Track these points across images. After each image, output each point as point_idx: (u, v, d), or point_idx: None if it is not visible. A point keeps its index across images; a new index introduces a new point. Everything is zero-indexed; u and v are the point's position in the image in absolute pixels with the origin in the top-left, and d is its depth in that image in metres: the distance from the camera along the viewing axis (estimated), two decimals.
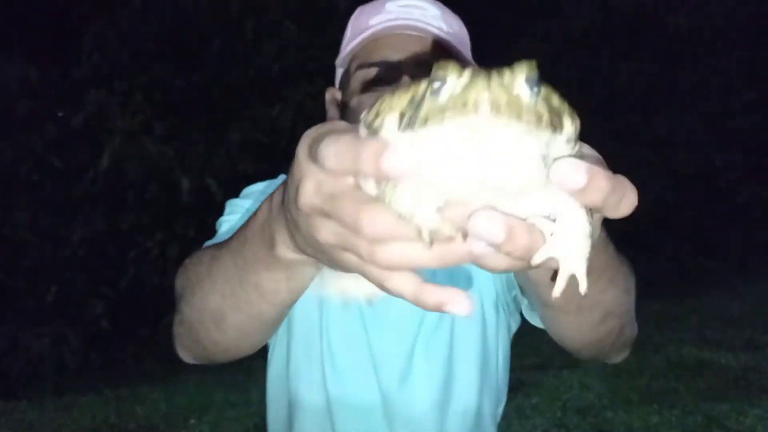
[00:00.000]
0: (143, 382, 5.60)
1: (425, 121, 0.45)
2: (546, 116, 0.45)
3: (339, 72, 1.37)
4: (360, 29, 1.28)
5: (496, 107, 0.42)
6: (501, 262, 0.50)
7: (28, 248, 6.57)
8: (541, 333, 1.43)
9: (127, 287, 6.67)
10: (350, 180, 0.52)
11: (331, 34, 6.91)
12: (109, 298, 6.72)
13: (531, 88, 0.44)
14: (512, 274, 1.10)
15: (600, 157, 0.59)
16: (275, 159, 7.04)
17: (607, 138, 9.43)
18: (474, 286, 1.28)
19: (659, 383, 4.95)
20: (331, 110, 1.39)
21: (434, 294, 0.51)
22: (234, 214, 1.25)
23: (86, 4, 6.73)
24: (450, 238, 0.49)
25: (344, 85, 1.32)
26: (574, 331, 0.91)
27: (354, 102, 1.24)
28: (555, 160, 0.48)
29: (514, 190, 0.48)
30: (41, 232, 6.60)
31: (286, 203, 0.62)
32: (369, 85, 1.23)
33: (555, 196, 0.50)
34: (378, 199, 0.50)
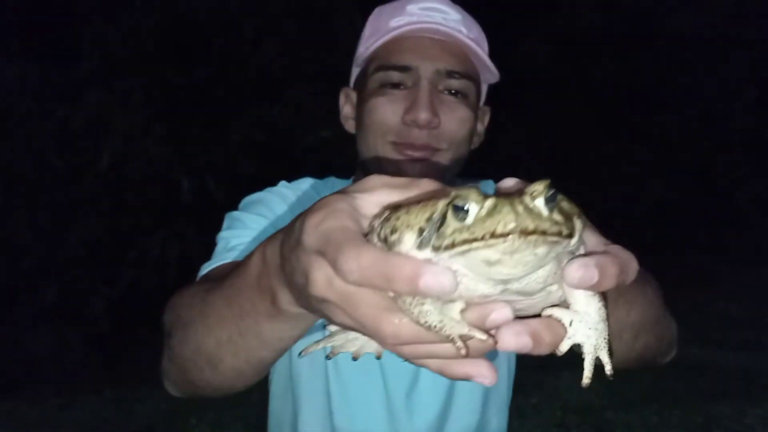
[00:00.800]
0: (143, 382, 5.58)
1: (452, 244, 0.47)
2: (564, 227, 0.48)
3: (355, 72, 1.36)
4: (380, 30, 1.26)
5: (524, 231, 0.45)
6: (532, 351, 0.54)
7: (28, 248, 6.56)
8: None
9: (127, 287, 6.66)
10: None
11: (331, 34, 6.92)
12: (109, 298, 6.71)
13: (549, 205, 0.48)
14: None
15: (601, 238, 0.61)
16: (275, 159, 7.04)
17: (607, 138, 9.44)
18: None
19: (659, 383, 4.94)
20: (346, 109, 1.38)
21: (461, 367, 0.54)
22: (232, 229, 1.23)
23: (86, 4, 6.72)
24: (478, 340, 0.52)
25: (360, 85, 1.31)
26: (614, 356, 0.93)
27: (371, 104, 1.23)
28: (567, 253, 0.52)
29: (535, 292, 0.52)
30: (41, 232, 6.59)
31: (289, 277, 0.62)
32: (387, 88, 1.22)
33: (566, 287, 0.54)
34: (395, 304, 0.51)
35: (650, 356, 0.99)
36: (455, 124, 1.22)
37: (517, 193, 0.48)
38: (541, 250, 0.47)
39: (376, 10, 1.34)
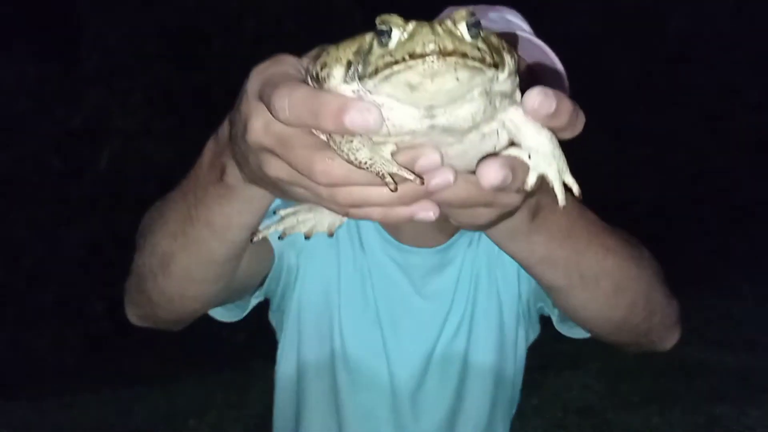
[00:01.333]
0: (143, 382, 5.58)
1: (375, 71, 0.47)
2: (488, 55, 0.47)
3: None
4: None
5: (443, 51, 0.45)
6: (460, 193, 0.54)
7: (28, 248, 6.56)
8: (542, 333, 1.42)
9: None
10: None
11: (331, 34, 6.91)
12: (109, 298, 6.70)
13: (471, 31, 0.47)
14: (539, 288, 1.11)
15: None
16: None
17: (607, 138, 9.43)
18: (495, 296, 1.27)
19: (660, 384, 4.93)
20: None
21: (403, 210, 0.54)
22: None
23: (86, 4, 6.72)
24: (407, 180, 0.52)
25: None
26: (594, 309, 0.89)
27: None
28: (499, 93, 0.51)
29: (464, 129, 0.51)
30: (40, 232, 6.59)
31: (233, 136, 0.63)
32: None
33: (510, 126, 0.54)
34: (329, 145, 0.52)
35: (638, 324, 0.93)
36: None
37: (442, 20, 0.47)
38: (463, 74, 0.47)
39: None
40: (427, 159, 0.51)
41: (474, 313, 1.25)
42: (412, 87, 0.47)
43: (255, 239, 0.81)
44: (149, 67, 6.84)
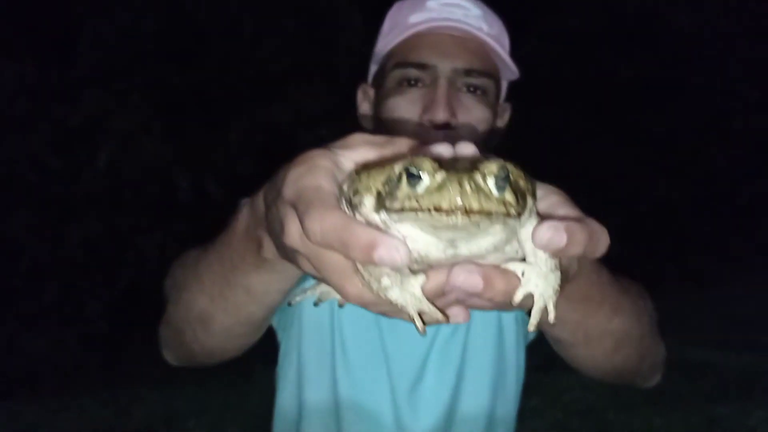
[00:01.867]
0: (142, 383, 5.57)
1: (401, 207, 0.49)
2: (513, 208, 0.49)
3: (372, 68, 1.33)
4: (399, 26, 1.24)
5: (469, 209, 0.47)
6: (483, 304, 0.56)
7: (27, 248, 6.55)
8: (541, 334, 1.41)
9: (126, 288, 6.65)
10: None
11: (331, 34, 6.90)
12: (108, 298, 6.70)
13: (499, 186, 0.49)
14: None
15: (562, 196, 0.62)
16: (275, 159, 7.00)
17: (607, 138, 9.43)
18: None
19: (661, 384, 4.93)
20: (363, 106, 1.36)
21: (433, 314, 0.56)
22: None
23: (84, 4, 6.71)
24: (435, 318, 0.55)
25: (378, 83, 1.29)
26: (591, 362, 0.94)
27: (389, 103, 1.22)
28: (520, 222, 0.53)
29: (486, 255, 0.54)
30: (40, 232, 6.58)
31: (270, 224, 0.64)
32: (405, 86, 1.21)
33: (521, 238, 0.56)
34: (361, 273, 0.54)
35: (629, 372, 0.99)
36: (473, 122, 1.20)
37: (472, 167, 0.49)
38: (485, 225, 0.49)
39: (396, 5, 1.32)
40: (460, 267, 0.53)
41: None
42: (435, 229, 0.50)
43: (292, 304, 0.84)
44: (149, 67, 6.83)
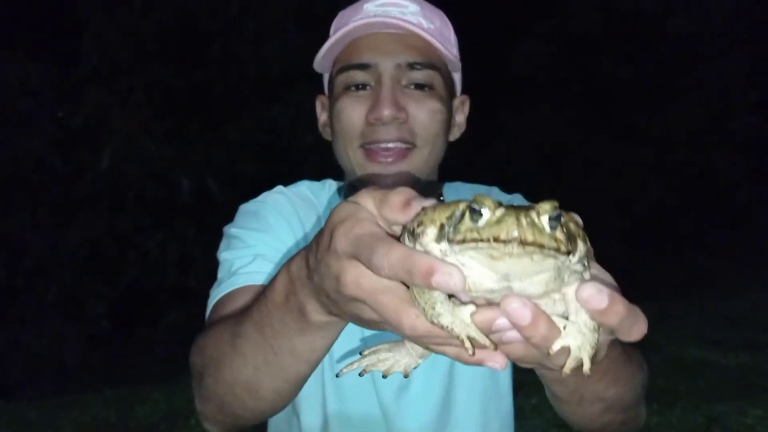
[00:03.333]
0: (143, 381, 5.59)
1: (463, 240, 0.54)
2: (563, 245, 0.54)
3: (325, 78, 1.35)
4: (339, 30, 1.25)
5: (524, 241, 0.52)
6: (520, 351, 0.60)
7: (28, 248, 6.57)
8: None
9: (127, 287, 6.67)
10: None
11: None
12: (109, 298, 6.72)
13: (552, 223, 0.54)
14: None
15: (614, 283, 0.66)
16: (275, 159, 7.04)
17: (607, 138, 9.45)
18: None
19: (659, 383, 4.94)
20: (322, 117, 1.37)
21: (476, 355, 0.60)
22: (232, 249, 1.22)
23: (86, 4, 6.73)
24: (482, 345, 0.59)
25: (329, 91, 1.30)
26: (577, 418, 0.98)
27: (337, 108, 1.22)
28: (570, 274, 0.59)
29: (536, 295, 0.58)
30: (41, 232, 6.60)
31: (318, 284, 0.68)
32: (351, 90, 1.21)
33: (567, 296, 0.60)
34: (414, 302, 0.59)
35: (608, 430, 1.02)
36: (425, 116, 1.20)
37: (528, 209, 0.54)
38: (537, 258, 0.53)
39: (339, 14, 1.33)
40: (503, 321, 0.57)
41: None
42: (492, 258, 0.54)
43: (340, 375, 0.89)
44: (149, 67, 6.85)
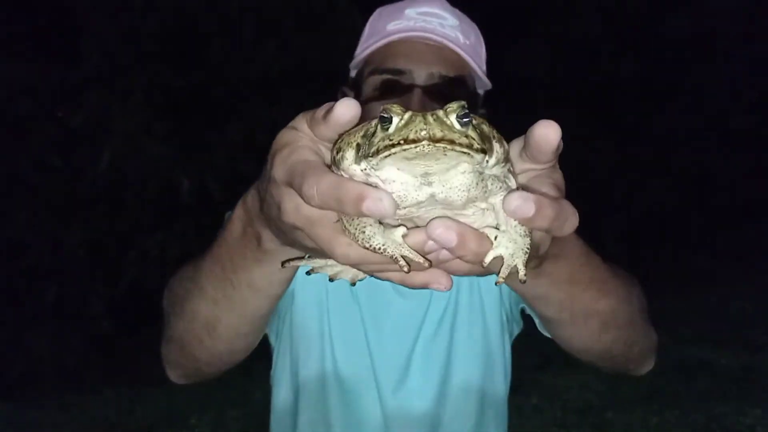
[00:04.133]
0: (143, 381, 5.59)
1: (377, 151, 0.54)
2: (475, 141, 0.54)
3: (352, 72, 1.37)
4: (377, 33, 1.27)
5: (432, 137, 0.52)
6: (459, 266, 0.60)
7: (28, 248, 6.56)
8: (541, 333, 1.43)
9: (127, 287, 6.67)
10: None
11: (330, 35, 6.91)
12: (109, 298, 6.71)
13: (461, 121, 0.54)
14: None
15: (555, 180, 0.67)
16: None
17: (607, 138, 9.44)
18: (477, 294, 1.28)
19: (659, 383, 4.94)
20: None
21: (419, 277, 0.60)
22: None
23: (86, 4, 6.72)
24: (418, 264, 0.59)
25: (357, 87, 1.32)
26: (578, 341, 0.97)
27: (365, 109, 1.23)
28: (491, 176, 0.59)
29: (460, 203, 0.58)
30: (41, 232, 6.59)
31: (266, 212, 0.69)
32: (381, 91, 1.23)
33: (496, 207, 0.61)
34: (345, 228, 0.59)
35: (619, 355, 1.01)
36: None
37: (437, 110, 0.54)
38: (452, 155, 0.53)
39: (377, 12, 1.34)
40: (439, 221, 0.57)
41: (457, 311, 1.27)
42: (408, 162, 0.54)
43: (284, 267, 0.87)
44: (149, 67, 6.85)
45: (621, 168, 9.27)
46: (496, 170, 0.59)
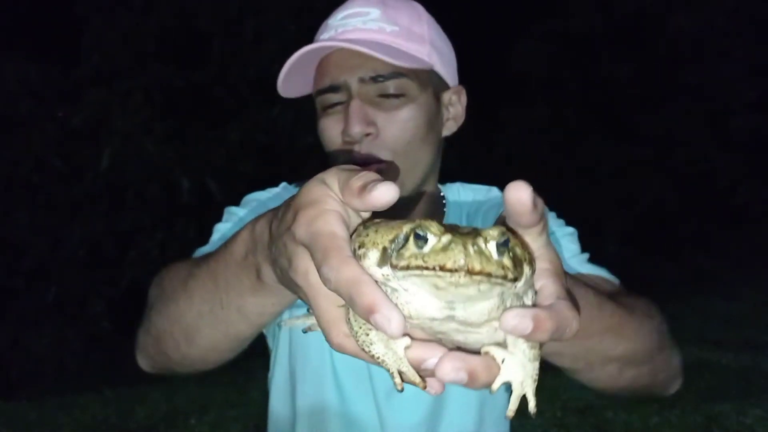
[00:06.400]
0: (143, 382, 5.59)
1: (407, 267, 0.52)
2: (510, 272, 0.52)
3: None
4: (311, 53, 1.24)
5: (471, 270, 0.50)
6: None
7: (28, 248, 6.57)
8: None
9: (127, 287, 6.67)
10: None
11: None
12: (109, 298, 6.72)
13: (499, 249, 0.52)
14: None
15: (555, 259, 0.62)
16: (275, 159, 7.04)
17: (607, 138, 9.45)
18: None
19: None
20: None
21: (411, 377, 0.58)
22: (228, 222, 1.25)
23: (86, 4, 6.73)
24: (411, 381, 0.57)
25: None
26: (597, 384, 0.97)
27: (319, 129, 1.23)
28: (513, 294, 0.56)
29: (478, 324, 0.56)
30: (41, 232, 6.60)
31: (274, 255, 0.66)
32: (328, 109, 1.21)
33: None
34: (349, 320, 0.57)
35: (642, 388, 1.00)
36: (396, 128, 1.17)
37: (476, 235, 0.52)
38: (484, 287, 0.51)
39: (317, 35, 1.32)
40: (437, 361, 0.55)
41: None
42: (437, 288, 0.52)
43: (282, 327, 0.85)
44: (149, 67, 6.85)
45: (621, 168, 9.28)
46: (520, 290, 0.57)
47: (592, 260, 1.19)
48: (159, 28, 6.94)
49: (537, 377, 0.60)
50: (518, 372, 0.59)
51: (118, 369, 6.16)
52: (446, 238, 0.51)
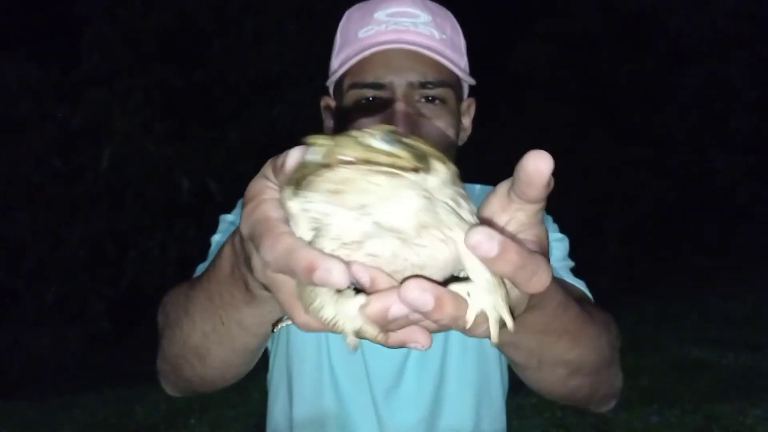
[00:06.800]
0: (143, 381, 5.59)
1: (297, 180, 0.50)
2: (405, 161, 0.48)
3: (331, 82, 1.32)
4: (349, 41, 1.23)
5: (348, 162, 0.47)
6: (434, 326, 0.54)
7: (28, 248, 6.57)
8: None
9: (127, 287, 6.68)
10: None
11: (331, 35, 6.92)
12: (109, 298, 6.72)
13: (387, 141, 0.48)
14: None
15: (543, 235, 0.60)
16: None
17: (607, 138, 9.44)
18: None
19: (659, 383, 4.94)
20: (327, 119, 1.36)
21: (393, 336, 0.55)
22: (225, 232, 1.25)
23: (86, 4, 6.73)
24: (372, 338, 0.54)
25: (337, 99, 1.28)
26: (543, 384, 0.95)
27: (350, 123, 1.21)
28: (442, 202, 0.52)
29: (410, 227, 0.51)
30: (41, 232, 6.60)
31: (246, 262, 0.65)
32: (362, 105, 1.20)
33: (459, 253, 0.54)
34: (300, 296, 0.55)
35: (581, 399, 1.00)
36: (434, 136, 1.18)
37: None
38: (378, 179, 0.48)
39: (345, 17, 1.29)
40: (397, 307, 0.51)
41: None
42: (335, 193, 0.49)
43: (277, 329, 0.84)
44: (149, 67, 6.85)
45: (621, 168, 9.28)
46: (445, 193, 0.52)
47: (592, 260, 1.20)
48: (159, 28, 6.94)
49: (507, 298, 0.55)
50: (486, 298, 0.54)
51: (118, 369, 6.18)
52: (327, 142, 0.48)
